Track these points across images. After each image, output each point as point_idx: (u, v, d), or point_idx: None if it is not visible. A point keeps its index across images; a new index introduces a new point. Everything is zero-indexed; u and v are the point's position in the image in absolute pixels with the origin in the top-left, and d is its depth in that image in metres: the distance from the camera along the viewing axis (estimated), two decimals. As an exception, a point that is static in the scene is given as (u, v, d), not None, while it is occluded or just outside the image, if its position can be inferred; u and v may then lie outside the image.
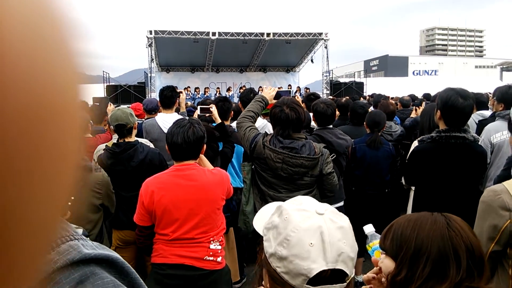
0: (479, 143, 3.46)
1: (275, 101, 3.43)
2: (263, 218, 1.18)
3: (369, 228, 1.56)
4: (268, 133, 3.04)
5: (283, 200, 3.21)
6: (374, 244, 1.44)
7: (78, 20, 0.28)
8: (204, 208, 2.41)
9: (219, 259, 2.46)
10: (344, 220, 1.07)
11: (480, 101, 4.77)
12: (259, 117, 3.54)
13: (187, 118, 2.58)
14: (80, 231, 2.51)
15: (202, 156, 2.62)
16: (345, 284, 1.02)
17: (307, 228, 1.02)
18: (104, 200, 2.82)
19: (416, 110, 6.27)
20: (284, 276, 1.02)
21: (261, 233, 1.14)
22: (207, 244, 2.42)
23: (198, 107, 4.03)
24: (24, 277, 0.26)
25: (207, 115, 3.76)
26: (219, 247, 2.48)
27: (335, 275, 1.00)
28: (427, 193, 2.81)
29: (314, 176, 2.89)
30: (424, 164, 2.80)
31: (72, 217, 0.55)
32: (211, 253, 2.42)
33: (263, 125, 4.12)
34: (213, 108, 3.70)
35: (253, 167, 3.11)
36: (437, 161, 2.73)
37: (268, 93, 3.31)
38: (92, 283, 0.52)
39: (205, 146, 2.57)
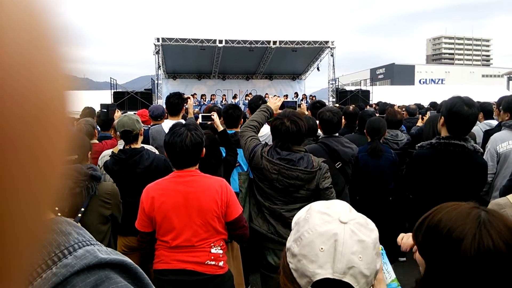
0: (485, 152, 3.44)
1: (280, 111, 3.43)
2: None
3: None
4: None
5: (278, 212, 3.17)
6: None
7: (69, 26, 0.28)
8: (203, 215, 2.40)
9: (221, 263, 2.44)
10: (368, 235, 1.02)
11: (488, 110, 4.75)
12: (265, 124, 3.53)
13: (182, 121, 2.55)
14: None
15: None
16: None
17: (322, 232, 1.00)
18: (114, 210, 2.78)
19: (422, 118, 6.25)
20: (294, 273, 1.02)
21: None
22: (208, 249, 2.41)
23: (200, 115, 4.04)
24: (6, 278, 0.26)
25: (209, 122, 3.77)
26: (221, 251, 2.46)
27: (342, 287, 0.97)
28: (423, 200, 2.78)
29: (310, 190, 2.85)
30: (422, 170, 2.77)
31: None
32: (212, 257, 2.40)
33: (267, 132, 4.11)
34: (215, 116, 3.69)
35: (251, 176, 3.10)
36: (434, 168, 2.70)
37: (274, 103, 3.31)
38: (107, 287, 0.53)
39: (204, 150, 2.56)
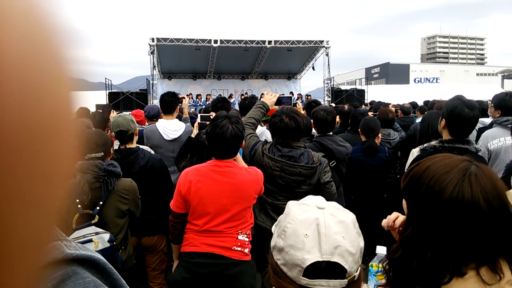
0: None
1: (276, 107, 3.45)
2: None
3: (381, 250, 1.50)
4: (267, 140, 3.05)
5: (281, 208, 3.20)
6: (380, 267, 1.39)
7: (72, 26, 0.28)
8: (236, 205, 2.47)
9: (246, 250, 2.51)
10: (347, 216, 1.07)
11: (481, 109, 4.77)
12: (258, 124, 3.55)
13: (227, 115, 2.60)
14: (107, 236, 2.55)
15: (238, 155, 2.69)
16: (346, 280, 1.00)
17: (303, 219, 1.04)
18: (131, 205, 2.87)
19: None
20: (283, 268, 1.04)
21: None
22: (236, 235, 2.48)
23: (199, 115, 4.05)
24: (18, 284, 0.26)
25: (207, 122, 3.79)
26: (247, 239, 2.53)
27: (332, 268, 0.99)
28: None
29: (312, 184, 2.90)
30: None
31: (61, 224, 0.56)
32: (239, 243, 2.48)
33: (261, 132, 4.13)
34: (214, 116, 3.71)
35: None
36: None
37: (269, 99, 3.34)
38: (74, 282, 0.52)
39: (244, 143, 2.62)
